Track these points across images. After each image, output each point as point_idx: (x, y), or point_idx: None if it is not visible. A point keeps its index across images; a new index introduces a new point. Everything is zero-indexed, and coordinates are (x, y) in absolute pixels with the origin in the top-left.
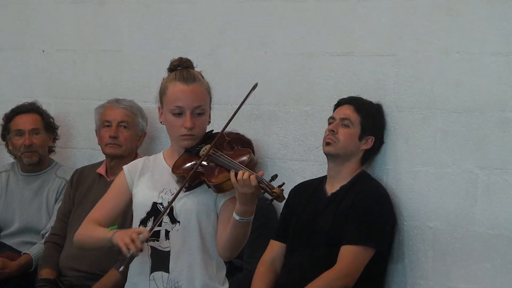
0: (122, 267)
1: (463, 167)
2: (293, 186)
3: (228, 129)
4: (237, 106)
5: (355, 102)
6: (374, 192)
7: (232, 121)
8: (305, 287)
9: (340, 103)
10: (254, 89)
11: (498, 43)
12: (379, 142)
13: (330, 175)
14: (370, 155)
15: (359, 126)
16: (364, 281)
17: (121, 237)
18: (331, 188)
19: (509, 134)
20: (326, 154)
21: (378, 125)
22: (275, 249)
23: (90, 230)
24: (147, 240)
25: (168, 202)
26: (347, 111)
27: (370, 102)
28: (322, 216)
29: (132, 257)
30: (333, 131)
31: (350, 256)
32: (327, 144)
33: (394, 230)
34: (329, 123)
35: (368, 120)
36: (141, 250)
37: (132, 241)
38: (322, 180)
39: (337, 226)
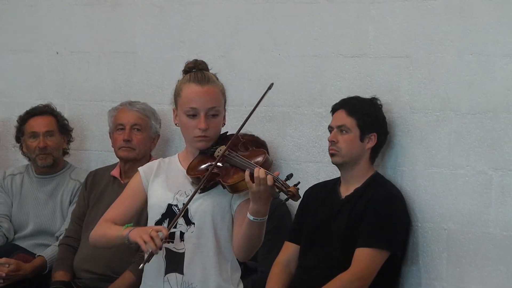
0: (141, 265)
1: (477, 169)
2: (307, 188)
3: (242, 131)
4: (251, 107)
5: (346, 106)
6: (388, 194)
7: (246, 123)
8: None
9: (334, 109)
10: (270, 89)
11: (511, 44)
12: (384, 135)
13: (343, 179)
14: (377, 151)
15: (356, 128)
16: (379, 283)
17: (139, 235)
18: (345, 191)
19: None
20: (333, 164)
21: (377, 120)
22: (289, 250)
23: (105, 228)
24: (166, 238)
25: (184, 204)
26: (341, 117)
27: (362, 99)
28: (336, 219)
29: (152, 255)
30: (334, 141)
31: (365, 259)
32: (331, 155)
33: (408, 232)
34: (330, 132)
35: (364, 119)
36: (161, 248)
37: (152, 238)
38: (336, 182)
39: (351, 229)
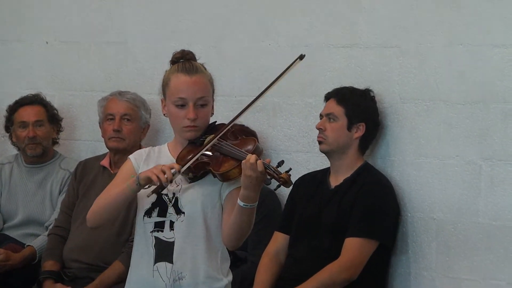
0: (148, 193)
1: (466, 159)
2: (297, 178)
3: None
4: (242, 97)
5: (337, 94)
6: (378, 184)
7: (236, 112)
8: (308, 279)
9: (326, 98)
10: (301, 59)
11: (502, 35)
12: (373, 127)
13: (332, 169)
14: (367, 142)
15: (344, 117)
16: (368, 273)
17: (150, 170)
18: (335, 181)
19: None
20: (321, 152)
21: (366, 110)
22: (279, 240)
23: (107, 193)
24: (178, 172)
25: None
26: (330, 105)
27: (355, 90)
28: (326, 209)
29: (161, 187)
30: (321, 129)
31: (354, 249)
32: (319, 143)
33: (397, 222)
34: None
35: (352, 108)
36: (171, 181)
37: (163, 172)
38: (326, 172)
39: (341, 219)
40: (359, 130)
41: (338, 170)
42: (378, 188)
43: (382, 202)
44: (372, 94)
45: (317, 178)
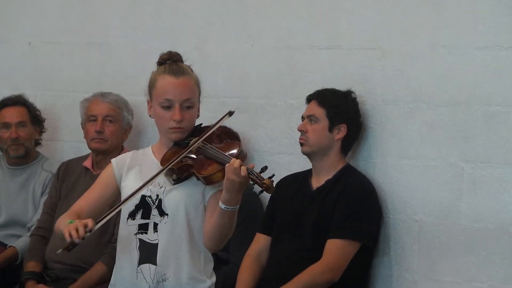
0: (59, 250)
1: (448, 161)
2: (279, 179)
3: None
4: (225, 99)
5: (318, 96)
6: (359, 185)
7: (218, 113)
8: (290, 280)
9: (307, 100)
10: (230, 115)
11: (484, 37)
12: (355, 128)
13: (314, 170)
14: (349, 143)
15: (325, 118)
16: (350, 274)
17: (66, 227)
18: (317, 182)
19: (494, 128)
20: (303, 153)
21: (348, 112)
22: (260, 242)
23: (60, 221)
24: (90, 231)
25: (157, 194)
26: (312, 107)
27: (336, 91)
28: (307, 210)
29: (72, 244)
30: (303, 130)
31: (336, 250)
32: (301, 145)
33: (379, 224)
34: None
35: (334, 110)
36: (83, 239)
37: (76, 229)
38: (307, 174)
39: (323, 220)
40: (341, 132)
41: (320, 172)
42: (359, 190)
43: (363, 204)
44: (353, 96)
45: (299, 180)
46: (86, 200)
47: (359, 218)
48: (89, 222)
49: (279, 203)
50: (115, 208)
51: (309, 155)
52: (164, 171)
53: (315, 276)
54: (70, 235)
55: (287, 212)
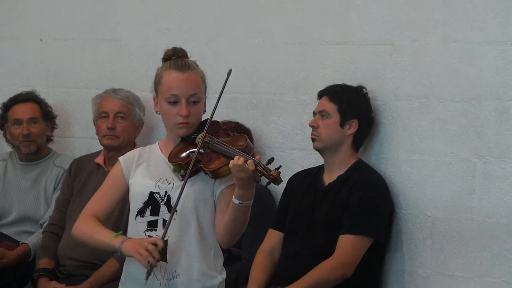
0: (144, 281)
1: (461, 156)
2: (291, 175)
3: (227, 118)
4: (235, 94)
5: (330, 92)
6: (371, 181)
7: (230, 110)
8: (303, 276)
9: (319, 95)
10: (229, 75)
11: (495, 32)
12: (366, 123)
13: (326, 166)
14: (361, 139)
15: (337, 114)
16: (362, 270)
17: (135, 249)
18: (329, 178)
19: (506, 122)
20: (315, 149)
21: (359, 107)
22: (273, 238)
23: (92, 229)
24: (162, 250)
25: (166, 191)
26: (323, 102)
27: (347, 87)
28: (319, 206)
29: (152, 269)
30: (314, 126)
31: (348, 246)
32: (312, 140)
33: (391, 219)
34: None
35: (345, 105)
36: (159, 260)
37: (150, 253)
38: (319, 170)
39: (335, 216)
40: (352, 127)
41: (332, 167)
42: (371, 185)
43: (375, 199)
44: (365, 91)
45: (311, 175)
46: (101, 201)
47: (371, 214)
48: (158, 242)
49: (291, 198)
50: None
51: (320, 150)
52: (172, 168)
53: (327, 272)
54: (148, 263)
55: (299, 208)
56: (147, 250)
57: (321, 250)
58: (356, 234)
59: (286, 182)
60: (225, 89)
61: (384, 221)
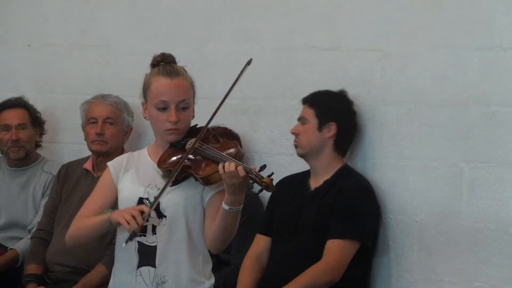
0: (123, 244)
1: (448, 161)
2: (278, 180)
3: (214, 123)
4: (226, 100)
5: (309, 98)
6: (358, 185)
7: (218, 115)
8: (291, 281)
9: (302, 103)
10: (249, 64)
11: (483, 38)
12: (347, 126)
13: (312, 171)
14: (344, 143)
15: (315, 118)
16: (350, 274)
17: (121, 214)
18: (315, 183)
19: (493, 128)
20: (298, 156)
21: (336, 110)
22: (261, 243)
23: (83, 222)
24: (148, 216)
25: (155, 197)
26: (304, 109)
27: (328, 92)
28: (306, 210)
29: (134, 234)
30: (295, 133)
31: (336, 250)
32: (295, 147)
33: (378, 224)
34: None
35: (322, 109)
36: (143, 226)
37: (133, 217)
38: (306, 175)
39: (321, 220)
40: (331, 130)
41: (318, 172)
42: (357, 190)
43: (362, 204)
44: (346, 95)
45: (297, 180)
46: (92, 206)
47: (358, 218)
48: (145, 208)
49: (278, 204)
50: (163, 189)
51: (303, 156)
52: (161, 173)
53: (315, 277)
54: (130, 226)
55: (285, 213)
56: (131, 215)
57: (309, 254)
58: (344, 239)
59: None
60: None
61: (371, 225)
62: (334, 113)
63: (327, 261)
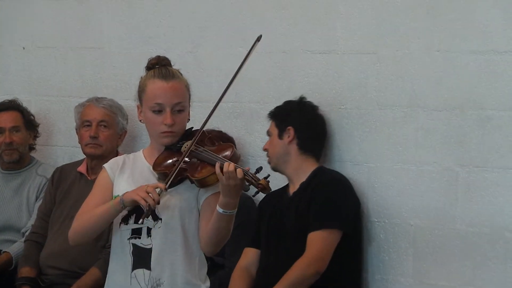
0: (140, 220)
1: (443, 165)
2: (274, 184)
3: (209, 127)
4: (221, 103)
5: (270, 112)
6: (331, 179)
7: (213, 118)
8: (280, 280)
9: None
10: (259, 41)
11: (478, 42)
12: (302, 126)
13: (289, 180)
14: (308, 144)
15: (275, 129)
16: (338, 266)
17: (135, 192)
18: (293, 188)
19: (489, 132)
20: (273, 170)
21: (294, 115)
22: (249, 255)
23: (90, 212)
24: (165, 190)
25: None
26: (270, 124)
27: (288, 101)
28: (286, 215)
29: (150, 210)
30: (266, 149)
31: (318, 241)
32: (268, 164)
33: (358, 213)
34: None
35: (279, 117)
36: (159, 203)
37: (149, 194)
38: (286, 186)
39: (301, 219)
40: (290, 135)
41: (292, 179)
42: (332, 183)
43: (338, 194)
44: (305, 101)
45: (279, 193)
46: (92, 205)
47: (336, 208)
48: (160, 185)
49: (263, 217)
50: (178, 165)
51: (276, 169)
52: (157, 176)
53: (302, 270)
54: (146, 202)
55: (270, 222)
56: (146, 191)
57: (294, 254)
58: (324, 229)
59: (259, 202)
60: (208, 97)
61: (349, 214)
62: (291, 118)
63: (310, 253)
